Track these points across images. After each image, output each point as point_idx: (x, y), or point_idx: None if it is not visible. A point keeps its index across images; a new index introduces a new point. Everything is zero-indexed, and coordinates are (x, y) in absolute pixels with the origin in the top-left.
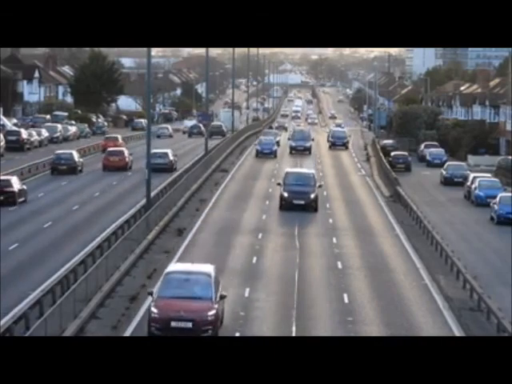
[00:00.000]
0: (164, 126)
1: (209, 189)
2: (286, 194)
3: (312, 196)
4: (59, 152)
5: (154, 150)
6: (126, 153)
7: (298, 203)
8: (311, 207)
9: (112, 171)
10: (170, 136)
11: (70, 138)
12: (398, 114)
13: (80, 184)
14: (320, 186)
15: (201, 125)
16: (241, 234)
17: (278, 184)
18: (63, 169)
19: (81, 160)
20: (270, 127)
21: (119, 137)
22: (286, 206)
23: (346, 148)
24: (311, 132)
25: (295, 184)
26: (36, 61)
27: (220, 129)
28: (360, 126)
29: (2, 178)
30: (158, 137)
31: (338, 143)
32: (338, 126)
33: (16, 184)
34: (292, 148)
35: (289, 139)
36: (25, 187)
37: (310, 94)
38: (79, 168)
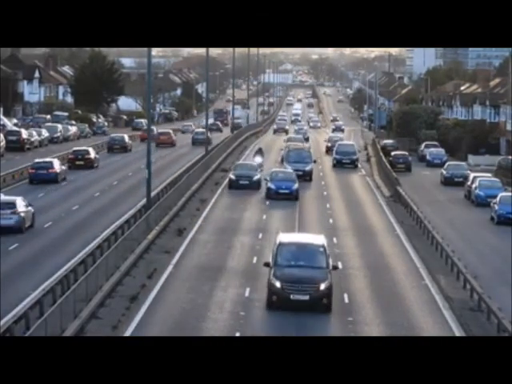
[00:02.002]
0: (187, 123)
1: (209, 189)
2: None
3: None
4: (113, 135)
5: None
6: (172, 133)
7: None
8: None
9: (163, 147)
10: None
11: (71, 138)
12: (399, 114)
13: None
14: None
15: (218, 122)
16: (241, 234)
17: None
18: (117, 148)
19: (130, 142)
20: (260, 150)
21: (154, 128)
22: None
23: (356, 166)
24: (311, 151)
25: None
26: (36, 61)
27: (240, 124)
28: (360, 125)
29: (82, 148)
30: (183, 133)
31: (344, 161)
32: (338, 127)
33: (92, 153)
34: None
35: (282, 161)
36: (97, 156)
37: (310, 94)
38: (129, 148)
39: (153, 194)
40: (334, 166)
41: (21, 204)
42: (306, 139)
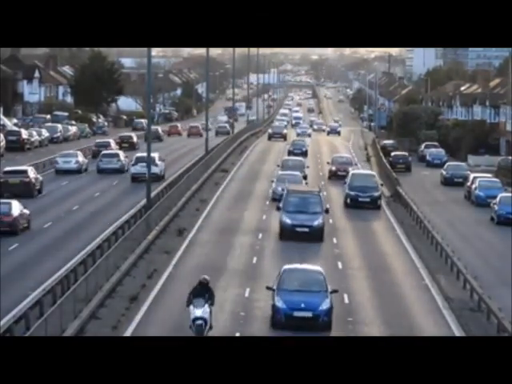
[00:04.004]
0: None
1: (209, 189)
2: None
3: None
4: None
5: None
6: (200, 126)
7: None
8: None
9: (193, 138)
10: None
11: (71, 138)
12: (399, 115)
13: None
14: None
15: (230, 120)
16: (241, 234)
17: None
18: (152, 137)
19: (162, 133)
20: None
21: (179, 125)
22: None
23: (378, 207)
24: (321, 196)
25: None
26: (36, 61)
27: (254, 121)
28: (360, 126)
29: (104, 140)
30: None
31: (362, 199)
32: (333, 129)
33: (135, 137)
34: (287, 228)
35: (278, 208)
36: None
37: (310, 95)
38: (162, 138)
39: (153, 194)
40: (347, 205)
41: (16, 207)
42: (305, 153)
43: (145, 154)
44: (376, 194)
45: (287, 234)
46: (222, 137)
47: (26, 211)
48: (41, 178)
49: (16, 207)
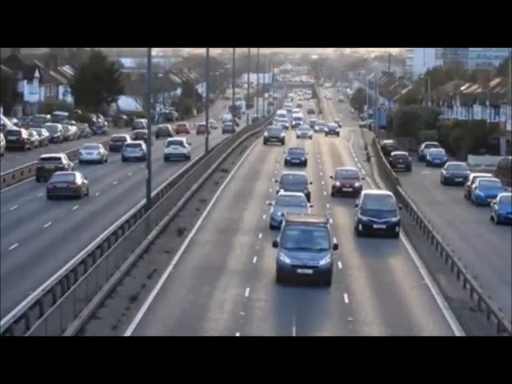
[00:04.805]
0: (210, 120)
1: (209, 188)
2: None
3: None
4: (160, 125)
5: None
6: (210, 124)
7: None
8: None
9: (202, 135)
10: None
11: (71, 137)
12: (399, 114)
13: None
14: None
15: (236, 118)
16: (241, 234)
17: None
18: (163, 134)
19: (172, 130)
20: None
21: (186, 124)
22: None
23: (396, 235)
24: (329, 229)
25: None
26: (36, 61)
27: (258, 119)
28: (360, 125)
29: (120, 135)
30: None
31: (377, 225)
32: (332, 130)
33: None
34: (286, 270)
35: (275, 244)
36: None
37: (310, 95)
38: (172, 134)
39: (153, 194)
40: (359, 233)
41: (79, 177)
42: (304, 162)
43: (176, 139)
44: (394, 219)
45: (286, 276)
46: (228, 134)
47: (86, 181)
48: (72, 164)
49: (79, 177)
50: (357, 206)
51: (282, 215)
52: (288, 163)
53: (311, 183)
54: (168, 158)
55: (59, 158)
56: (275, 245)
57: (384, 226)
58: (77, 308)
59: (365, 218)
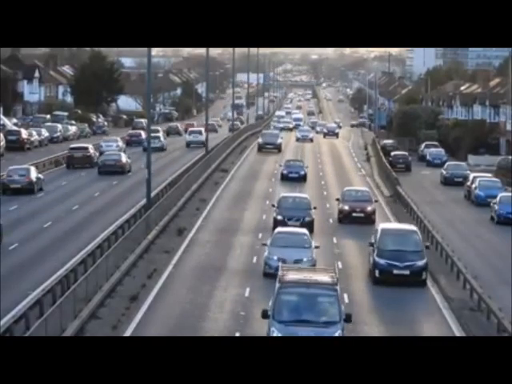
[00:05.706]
0: (214, 119)
1: (209, 188)
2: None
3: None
4: (170, 124)
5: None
6: (216, 123)
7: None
8: None
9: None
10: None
11: (70, 137)
12: (399, 114)
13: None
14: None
15: (240, 116)
16: (241, 234)
17: None
18: (174, 132)
19: (181, 128)
20: None
21: (195, 123)
22: None
23: (424, 281)
24: (338, 292)
25: None
26: (36, 61)
27: (262, 117)
28: (359, 124)
29: (135, 131)
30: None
31: (398, 271)
32: (331, 131)
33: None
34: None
35: (265, 315)
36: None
37: (310, 95)
38: (181, 133)
39: (153, 193)
40: (376, 280)
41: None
42: (303, 177)
43: (195, 129)
44: (420, 262)
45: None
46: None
47: (129, 160)
48: (97, 154)
49: (124, 157)
50: (372, 244)
51: (279, 260)
52: (285, 178)
53: (315, 208)
54: (189, 145)
55: (86, 148)
56: (265, 315)
57: (407, 272)
58: (77, 308)
59: (382, 262)
